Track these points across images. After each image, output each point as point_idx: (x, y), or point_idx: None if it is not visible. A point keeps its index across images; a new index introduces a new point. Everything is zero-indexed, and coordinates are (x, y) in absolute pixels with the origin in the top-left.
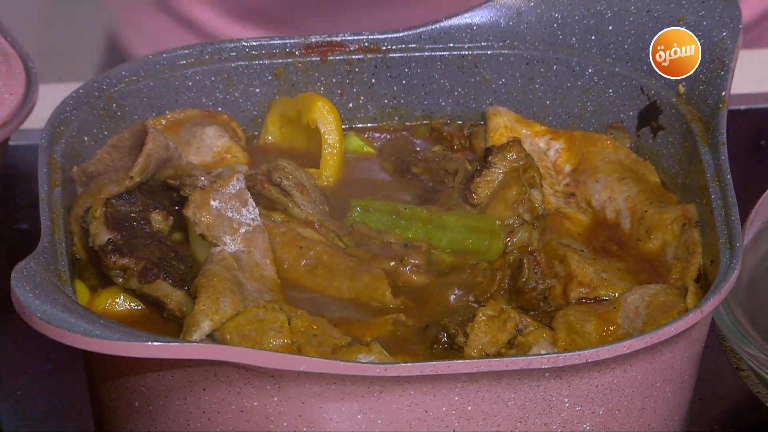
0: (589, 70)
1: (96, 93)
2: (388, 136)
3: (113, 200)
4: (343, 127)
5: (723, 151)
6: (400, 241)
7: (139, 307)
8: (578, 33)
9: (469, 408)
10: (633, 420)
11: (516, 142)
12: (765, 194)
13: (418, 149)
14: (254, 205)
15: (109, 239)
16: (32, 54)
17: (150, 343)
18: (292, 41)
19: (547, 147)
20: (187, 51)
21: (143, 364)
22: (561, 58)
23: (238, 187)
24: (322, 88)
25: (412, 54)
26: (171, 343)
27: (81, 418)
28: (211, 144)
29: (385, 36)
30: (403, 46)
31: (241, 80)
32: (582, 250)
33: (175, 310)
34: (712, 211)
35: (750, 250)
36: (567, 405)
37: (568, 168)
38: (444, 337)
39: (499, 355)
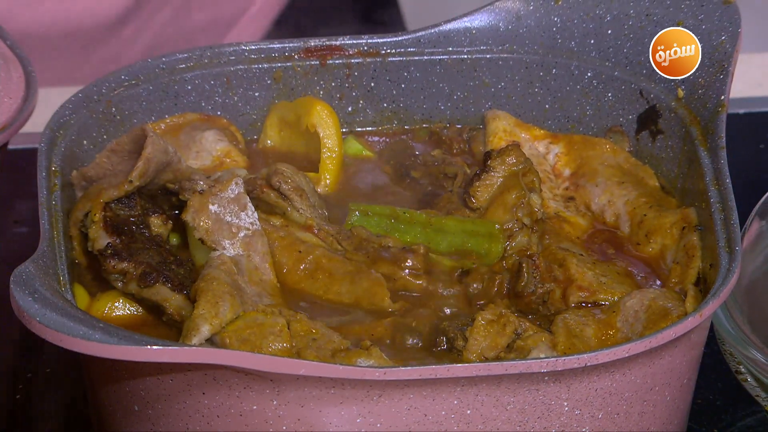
0: (589, 74)
1: (95, 97)
2: (388, 140)
3: (112, 204)
4: (343, 130)
5: (722, 154)
6: (399, 244)
7: (139, 312)
8: (577, 37)
9: (469, 412)
10: (632, 424)
11: (515, 146)
12: (764, 198)
13: (417, 153)
14: (253, 209)
15: (108, 243)
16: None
17: (149, 347)
18: (291, 45)
19: (546, 151)
20: (186, 55)
21: (142, 368)
22: (560, 62)
23: (236, 192)
24: (322, 92)
25: (411, 58)
26: (170, 347)
27: (80, 422)
28: (210, 148)
29: (384, 40)
30: (402, 50)
31: (241, 84)
32: (581, 254)
33: (175, 314)
34: (711, 214)
35: (749, 253)
36: (566, 409)
37: (567, 172)
38: (443, 341)
39: (498, 359)
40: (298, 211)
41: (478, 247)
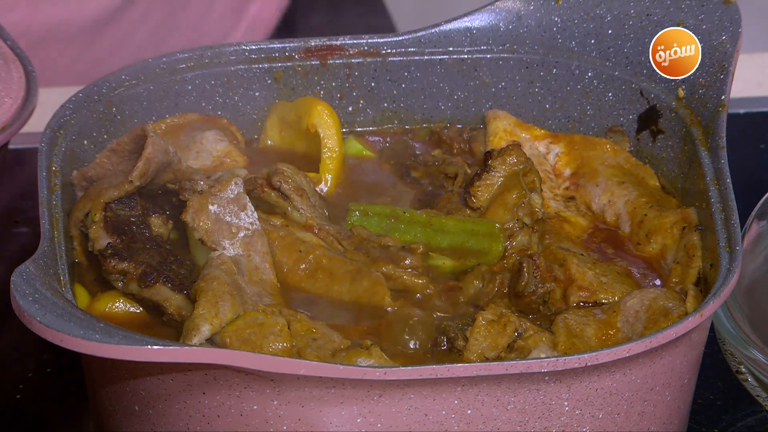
0: (589, 74)
1: (96, 97)
2: (388, 140)
3: (113, 204)
4: (343, 130)
5: (722, 154)
6: (399, 244)
7: (139, 311)
8: (578, 37)
9: (469, 412)
10: (633, 423)
11: (516, 146)
12: (764, 198)
13: (417, 153)
14: (253, 209)
15: (108, 243)
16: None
17: (150, 347)
18: (291, 45)
19: (546, 151)
20: (186, 55)
21: (143, 368)
22: (561, 61)
23: (236, 192)
24: (322, 92)
25: (411, 58)
26: (171, 347)
27: (81, 422)
28: (210, 148)
29: (385, 40)
30: (403, 49)
31: (241, 84)
32: (582, 254)
33: (175, 314)
34: (711, 214)
35: (749, 253)
36: (567, 409)
37: (567, 172)
38: (444, 340)
39: (498, 358)
40: (299, 210)
41: (478, 247)
